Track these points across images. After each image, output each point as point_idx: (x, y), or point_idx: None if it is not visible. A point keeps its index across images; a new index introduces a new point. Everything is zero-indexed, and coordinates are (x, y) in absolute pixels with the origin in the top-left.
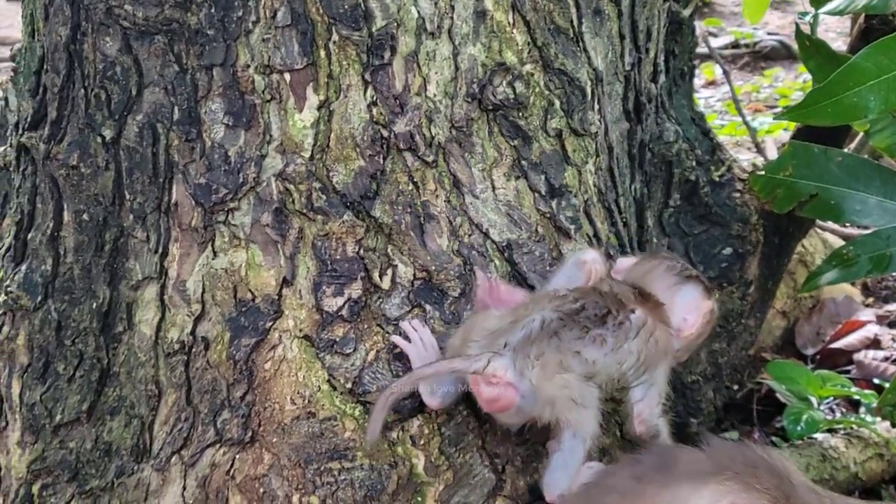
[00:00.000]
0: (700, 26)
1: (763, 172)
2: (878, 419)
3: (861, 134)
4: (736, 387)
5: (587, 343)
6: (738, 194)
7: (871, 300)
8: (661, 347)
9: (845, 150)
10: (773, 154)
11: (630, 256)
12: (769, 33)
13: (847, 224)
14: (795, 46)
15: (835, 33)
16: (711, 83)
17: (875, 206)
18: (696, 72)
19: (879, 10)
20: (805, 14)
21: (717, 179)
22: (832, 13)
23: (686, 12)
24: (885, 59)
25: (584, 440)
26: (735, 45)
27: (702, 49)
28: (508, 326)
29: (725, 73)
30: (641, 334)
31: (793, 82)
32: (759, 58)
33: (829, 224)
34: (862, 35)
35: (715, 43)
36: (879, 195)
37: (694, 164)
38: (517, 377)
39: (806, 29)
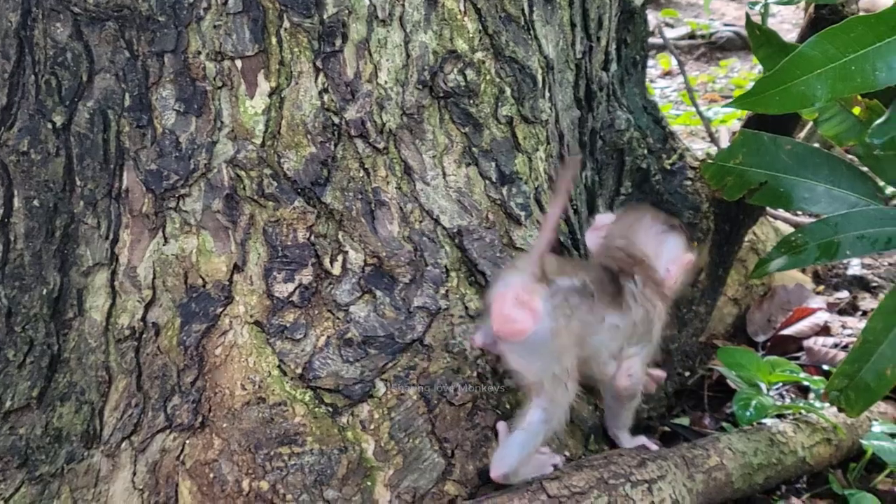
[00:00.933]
0: (656, 17)
1: (714, 161)
2: (827, 405)
3: (811, 123)
4: (687, 373)
5: (612, 309)
6: (689, 182)
7: (821, 288)
8: (658, 303)
9: (795, 138)
10: (726, 143)
11: (608, 214)
12: (725, 24)
13: (798, 212)
14: None
15: (790, 24)
16: (668, 73)
17: (824, 194)
18: (653, 62)
19: None
20: (755, 3)
21: (669, 167)
22: (781, 2)
23: (638, 1)
24: (831, 47)
25: (549, 427)
26: (691, 36)
27: (658, 40)
28: (556, 273)
29: (679, 63)
30: (646, 294)
31: (748, 73)
32: (715, 48)
33: (781, 212)
34: (811, 25)
35: (671, 34)
36: (828, 183)
37: (646, 152)
38: (548, 309)
39: (757, 19)
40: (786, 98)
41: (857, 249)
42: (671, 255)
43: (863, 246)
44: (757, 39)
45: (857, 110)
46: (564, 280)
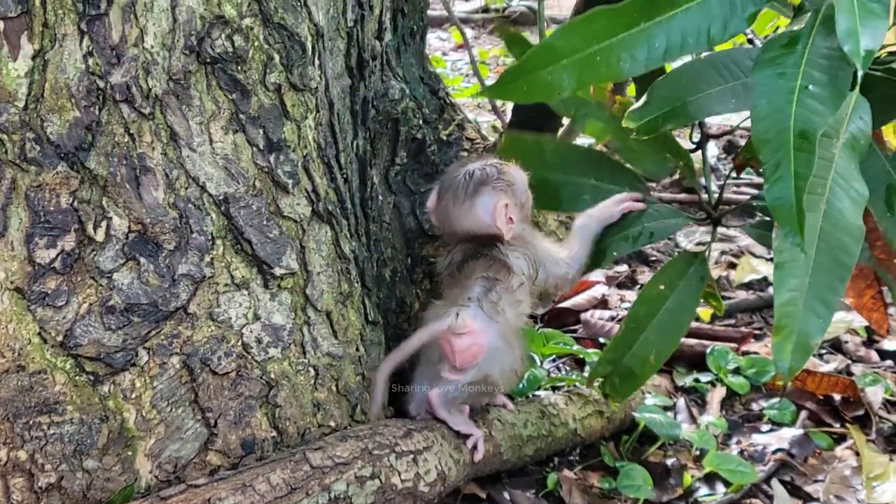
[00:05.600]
0: None
1: None
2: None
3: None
4: None
5: (512, 274)
6: (465, 154)
7: None
8: (525, 244)
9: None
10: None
11: (433, 192)
12: None
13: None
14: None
15: None
16: (461, 46)
17: (590, 189)
18: (447, 35)
19: None
20: None
21: (445, 138)
22: None
23: None
24: (576, 38)
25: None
26: (485, 10)
27: (459, 13)
28: (461, 291)
29: (463, 35)
30: (511, 245)
31: None
32: (509, 22)
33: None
34: (585, 5)
35: (465, 7)
36: (594, 178)
37: (421, 122)
38: (486, 323)
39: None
40: (533, 87)
41: (622, 248)
42: (487, 213)
43: (626, 245)
44: (510, 40)
45: (614, 107)
46: (472, 290)
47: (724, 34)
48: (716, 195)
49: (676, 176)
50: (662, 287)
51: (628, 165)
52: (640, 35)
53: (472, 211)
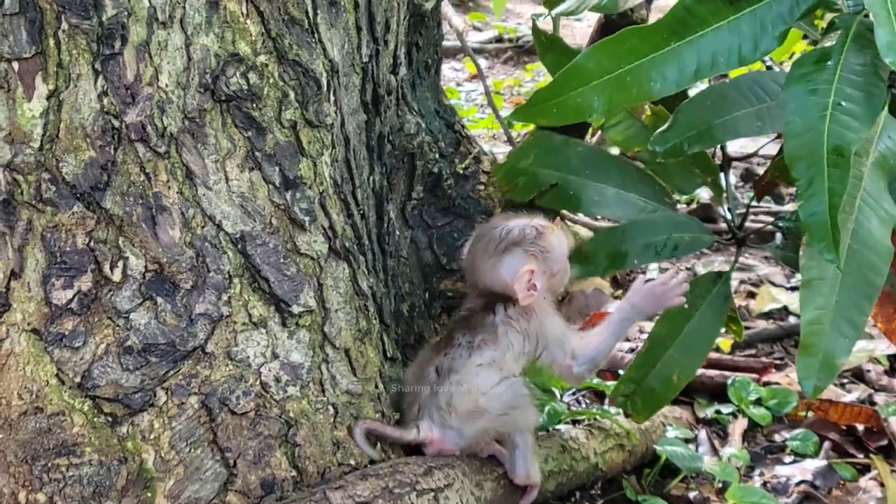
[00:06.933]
0: (464, 20)
1: (506, 161)
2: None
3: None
4: None
5: (476, 352)
6: (482, 187)
7: (619, 292)
8: (533, 315)
9: (587, 142)
10: None
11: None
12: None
13: (598, 217)
14: None
15: None
16: (475, 77)
17: (613, 197)
18: (460, 66)
19: (609, 9)
20: (540, 15)
21: (462, 172)
22: (564, 14)
23: (428, 5)
24: (606, 59)
25: (530, 431)
26: (499, 40)
27: (472, 44)
28: (417, 388)
29: (478, 66)
30: (515, 315)
31: None
32: (523, 52)
33: (580, 216)
34: (602, 29)
35: (479, 37)
36: (618, 187)
37: (437, 156)
38: (442, 431)
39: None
40: (563, 109)
41: (644, 257)
42: (510, 276)
43: (649, 254)
44: (542, 46)
45: (645, 117)
46: (422, 394)
47: (755, 53)
48: (739, 216)
49: (694, 205)
50: (686, 306)
51: (656, 178)
52: (670, 55)
53: (495, 268)
